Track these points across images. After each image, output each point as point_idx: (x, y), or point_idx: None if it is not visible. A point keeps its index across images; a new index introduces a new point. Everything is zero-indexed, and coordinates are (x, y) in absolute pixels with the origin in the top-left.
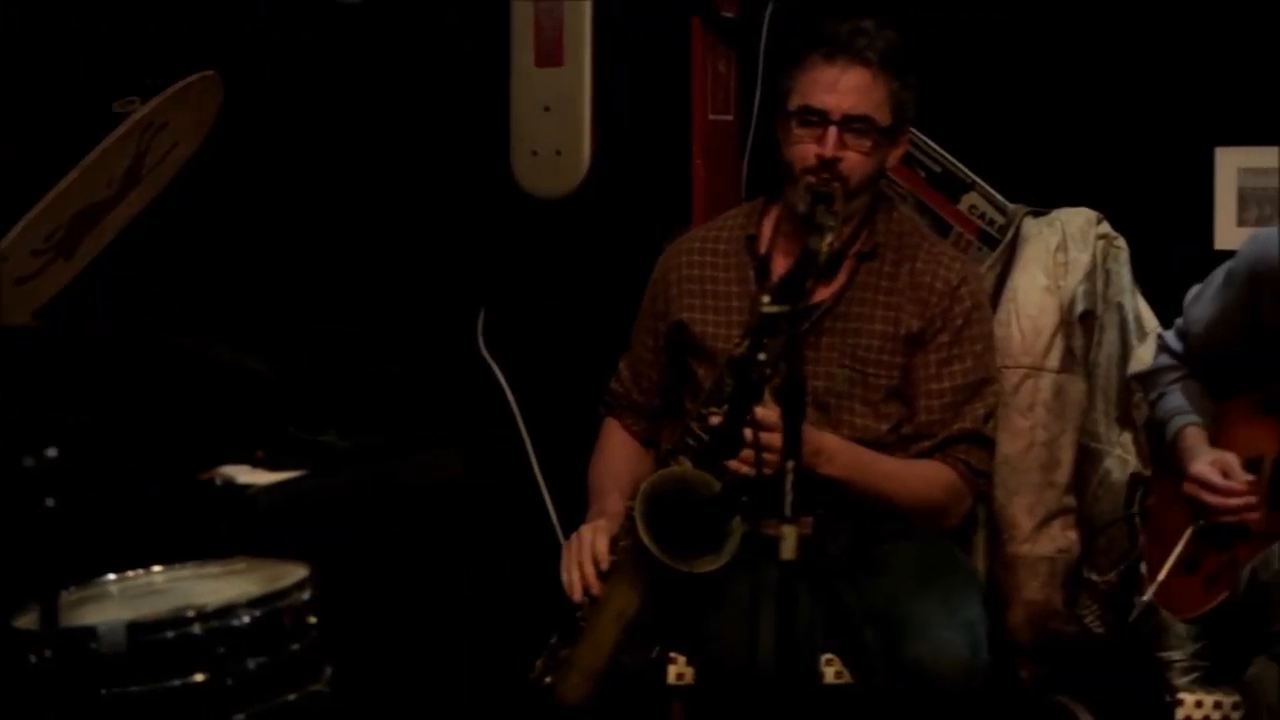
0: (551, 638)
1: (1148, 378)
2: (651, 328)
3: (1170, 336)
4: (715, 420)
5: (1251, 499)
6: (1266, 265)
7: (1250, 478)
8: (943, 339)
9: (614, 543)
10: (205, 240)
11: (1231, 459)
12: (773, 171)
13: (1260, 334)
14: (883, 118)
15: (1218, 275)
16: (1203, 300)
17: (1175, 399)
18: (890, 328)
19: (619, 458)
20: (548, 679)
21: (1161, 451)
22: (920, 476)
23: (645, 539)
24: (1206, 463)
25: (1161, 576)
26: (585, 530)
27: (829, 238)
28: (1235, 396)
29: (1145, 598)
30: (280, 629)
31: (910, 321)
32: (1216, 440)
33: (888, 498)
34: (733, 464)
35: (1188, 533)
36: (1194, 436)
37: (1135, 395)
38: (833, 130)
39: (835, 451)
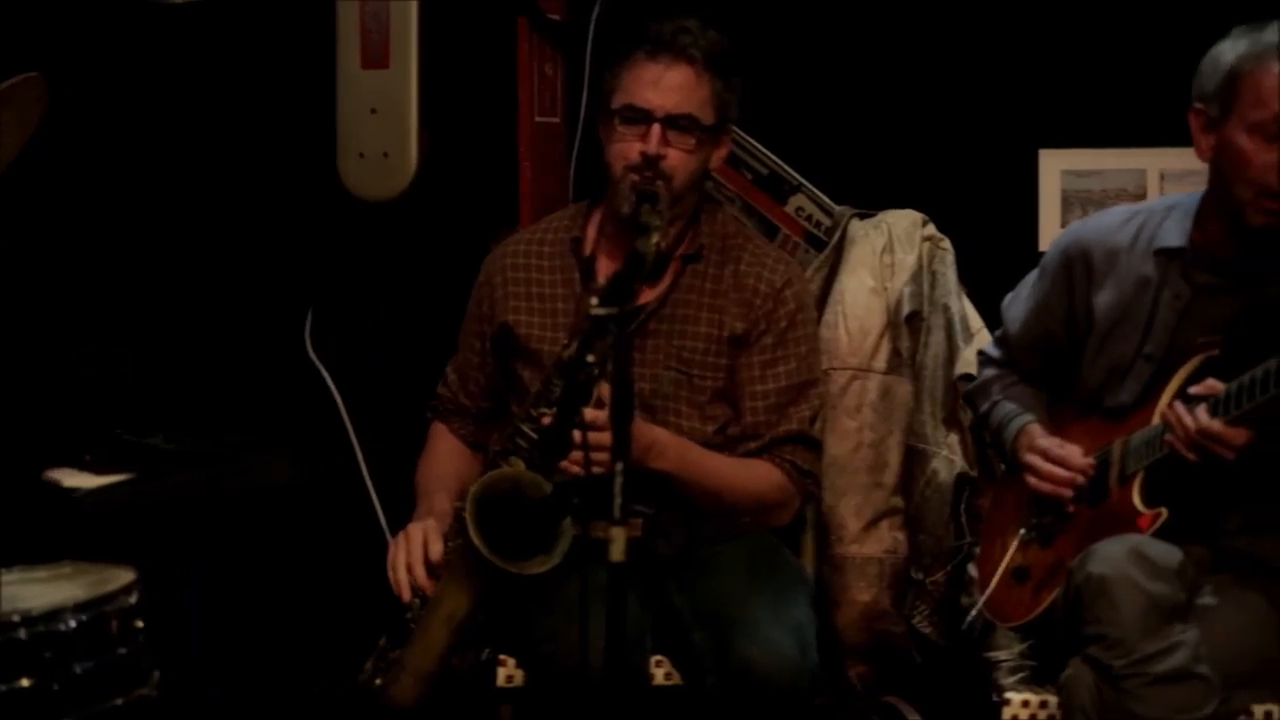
0: (380, 639)
1: (976, 392)
2: (478, 331)
3: (990, 348)
4: (545, 421)
5: (1080, 478)
6: (1079, 247)
7: (1090, 462)
8: (767, 341)
9: (444, 543)
10: (29, 243)
11: (1076, 447)
12: (599, 174)
13: (1075, 320)
14: (706, 117)
15: (1030, 276)
16: (1019, 299)
17: (1008, 405)
18: (715, 330)
19: (446, 460)
20: (377, 681)
21: (993, 455)
22: (749, 475)
23: (476, 540)
24: (1054, 440)
25: (991, 589)
26: (413, 529)
27: (655, 237)
28: (1063, 402)
29: (975, 611)
30: (107, 633)
31: (735, 323)
32: None
33: (716, 494)
34: (562, 465)
35: (1016, 539)
36: (1038, 431)
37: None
38: (656, 128)
39: (666, 446)
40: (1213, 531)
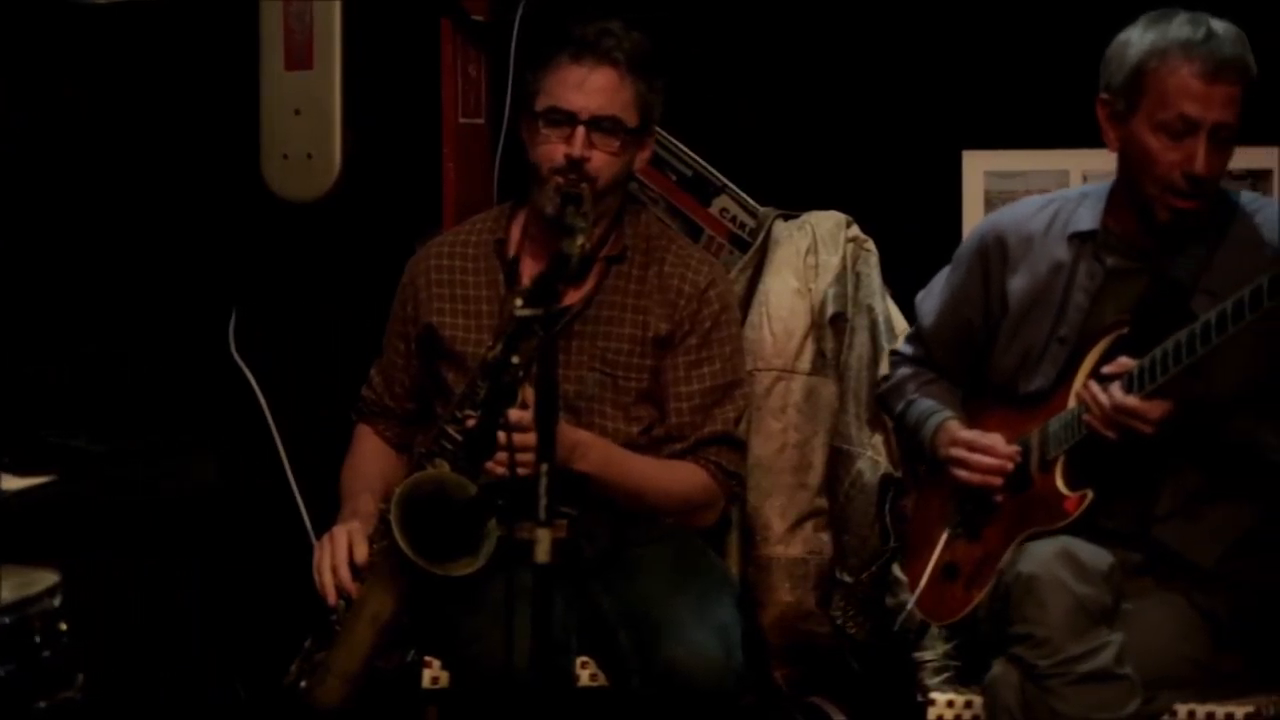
0: (306, 641)
1: (890, 392)
2: (402, 332)
3: (903, 346)
4: (470, 423)
5: (1008, 464)
6: (994, 234)
7: (1015, 448)
8: (691, 342)
9: (369, 545)
10: None
11: (998, 435)
12: (524, 175)
13: (991, 306)
14: (630, 118)
15: (945, 269)
16: (933, 294)
17: (925, 402)
18: (639, 331)
19: (371, 462)
20: (302, 682)
21: (917, 457)
22: (674, 476)
23: (400, 542)
24: (975, 432)
25: (921, 588)
26: (338, 531)
27: (580, 238)
28: (980, 397)
29: (905, 611)
30: (30, 636)
31: (659, 324)
32: None
33: (641, 495)
34: (487, 466)
35: (944, 536)
36: (957, 425)
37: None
38: (581, 130)
39: (590, 447)
40: (1142, 518)
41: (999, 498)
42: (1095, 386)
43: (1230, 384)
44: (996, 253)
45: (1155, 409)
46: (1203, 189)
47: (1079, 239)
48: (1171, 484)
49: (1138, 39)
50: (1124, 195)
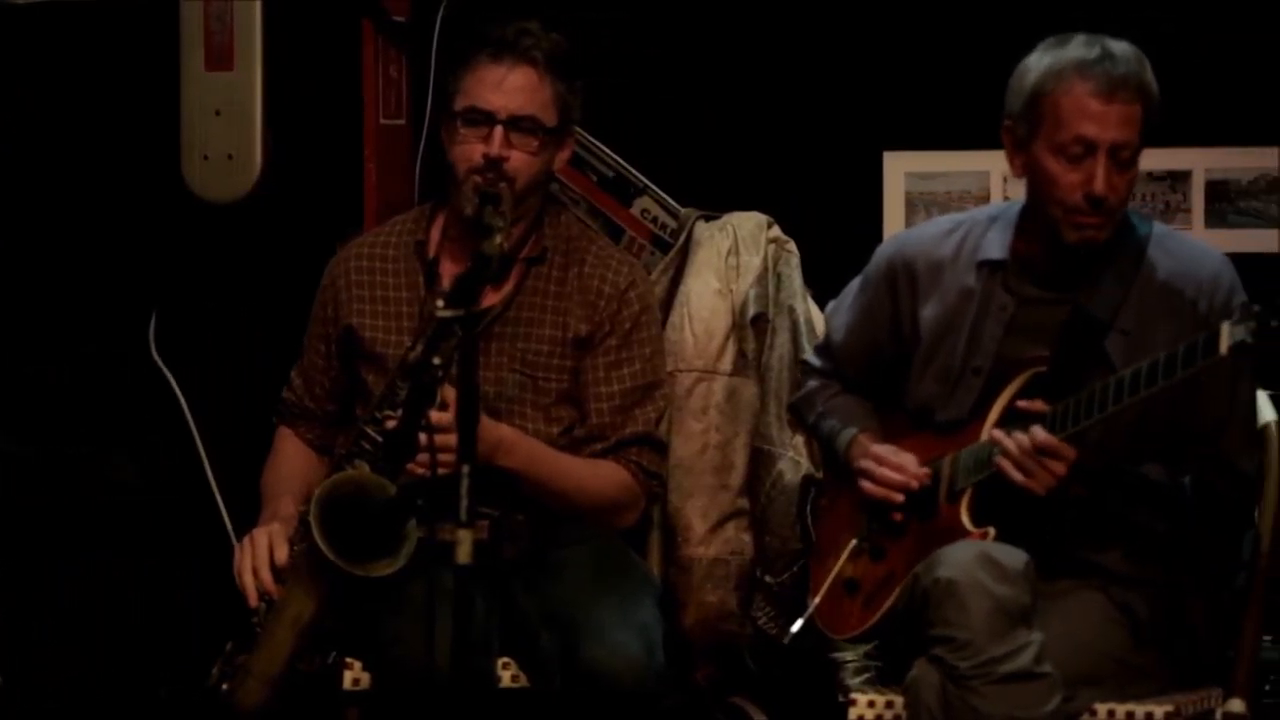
0: (227, 644)
1: (801, 404)
2: (322, 334)
3: (813, 357)
4: (389, 424)
5: (913, 483)
6: (902, 259)
7: (926, 470)
8: (611, 342)
9: (289, 547)
10: None
11: (910, 455)
12: (444, 176)
13: (902, 333)
14: (549, 118)
15: (853, 284)
16: (843, 308)
17: (836, 416)
18: (559, 332)
19: (292, 464)
20: (224, 685)
21: (832, 466)
22: (595, 475)
23: (321, 543)
24: (889, 447)
25: (818, 600)
26: (259, 533)
27: (499, 239)
28: (894, 415)
29: (800, 621)
30: None
31: (579, 325)
32: None
33: (563, 495)
34: (408, 468)
35: (849, 546)
36: (870, 438)
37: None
38: (499, 130)
39: (513, 444)
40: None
41: (898, 516)
42: (999, 432)
43: (1127, 430)
44: (905, 280)
45: (1072, 450)
46: (1106, 210)
47: (989, 267)
48: (1073, 526)
49: (1035, 63)
50: (1033, 220)
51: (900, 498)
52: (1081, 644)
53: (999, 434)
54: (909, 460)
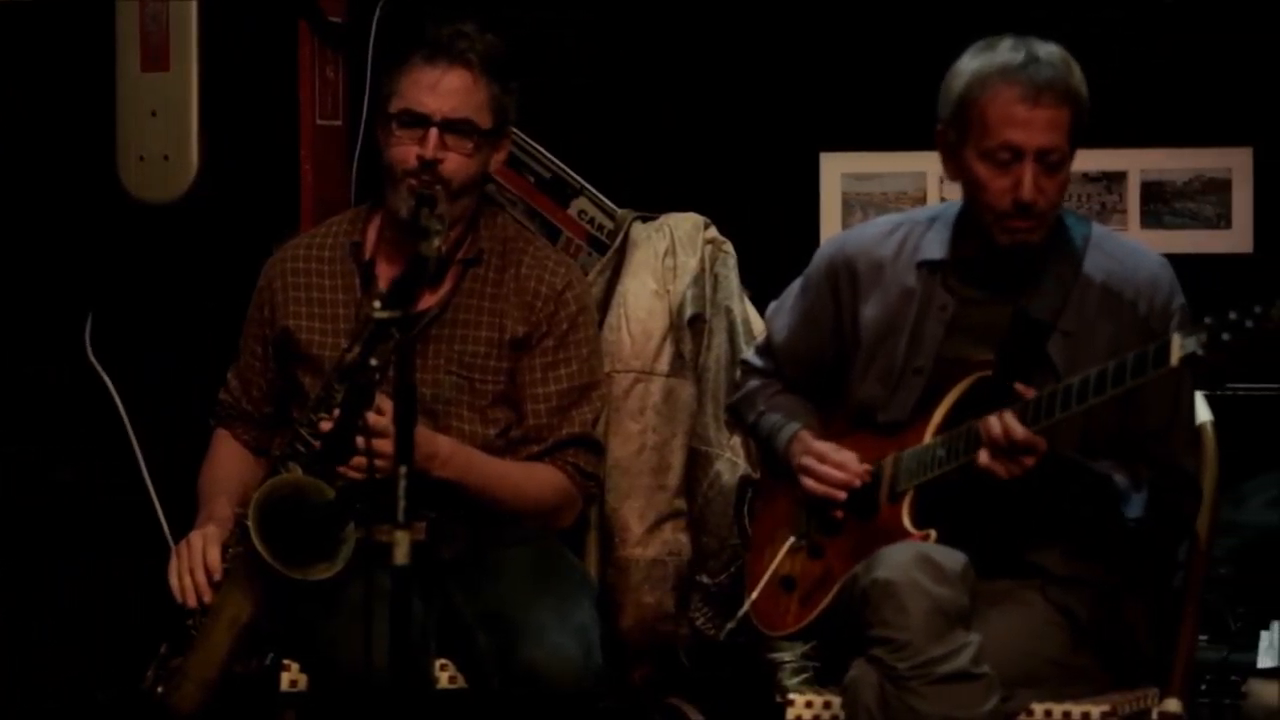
0: (162, 646)
1: (741, 404)
2: (259, 335)
3: (753, 357)
4: (326, 426)
5: (855, 480)
6: (843, 259)
7: (867, 468)
8: (548, 344)
9: (225, 550)
10: None
11: (851, 453)
12: (380, 177)
13: (843, 333)
14: (484, 120)
15: (795, 285)
16: (784, 309)
17: (777, 414)
18: (496, 333)
19: (229, 466)
20: (159, 689)
21: (771, 467)
22: (531, 479)
23: (258, 546)
24: (830, 444)
25: (755, 595)
26: (195, 536)
27: (435, 240)
28: (835, 415)
29: (737, 617)
30: None
31: (516, 326)
32: None
33: (499, 499)
34: (345, 470)
35: (785, 545)
36: (810, 436)
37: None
38: (434, 132)
39: (449, 455)
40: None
41: (839, 514)
42: (992, 419)
43: (1078, 431)
44: (846, 280)
45: (1044, 442)
46: (1036, 214)
47: (928, 267)
48: (1012, 531)
49: (963, 68)
50: (969, 221)
51: (843, 495)
52: (1020, 645)
53: (987, 424)
54: (849, 458)
